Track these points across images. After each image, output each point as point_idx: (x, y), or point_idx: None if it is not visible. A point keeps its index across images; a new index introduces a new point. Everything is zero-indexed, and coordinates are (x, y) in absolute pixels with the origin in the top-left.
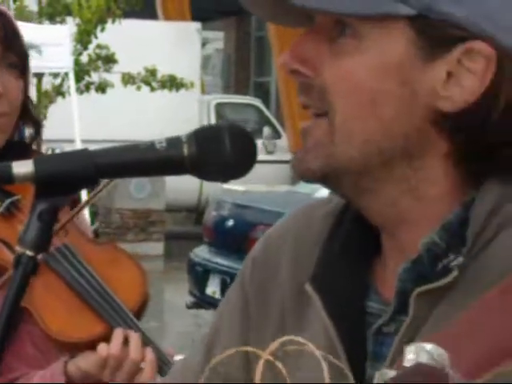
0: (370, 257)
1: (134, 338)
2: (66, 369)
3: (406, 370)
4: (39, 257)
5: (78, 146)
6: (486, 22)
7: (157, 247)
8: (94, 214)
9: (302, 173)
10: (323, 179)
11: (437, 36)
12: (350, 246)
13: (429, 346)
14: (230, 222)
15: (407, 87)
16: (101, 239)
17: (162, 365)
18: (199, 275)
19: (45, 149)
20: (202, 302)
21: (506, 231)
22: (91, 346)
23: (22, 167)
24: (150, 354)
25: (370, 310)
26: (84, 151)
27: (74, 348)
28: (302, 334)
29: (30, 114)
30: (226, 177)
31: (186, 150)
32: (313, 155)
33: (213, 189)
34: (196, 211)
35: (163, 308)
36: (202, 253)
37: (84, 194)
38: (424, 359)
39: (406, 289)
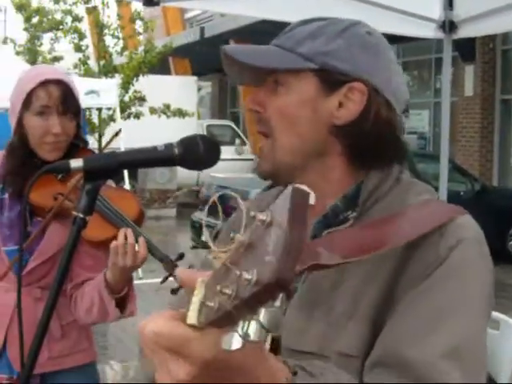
0: None
1: (130, 232)
2: (105, 273)
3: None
4: (87, 217)
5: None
6: (361, 72)
7: (172, 212)
8: (134, 192)
9: (259, 172)
10: (269, 175)
11: (331, 80)
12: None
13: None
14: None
15: (315, 113)
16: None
17: (150, 247)
18: (197, 228)
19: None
20: (199, 244)
21: (381, 202)
22: (111, 241)
23: (76, 163)
24: (141, 239)
25: None
26: (113, 153)
27: (102, 244)
28: None
29: (80, 136)
30: (200, 167)
31: (176, 151)
32: (264, 162)
33: (205, 175)
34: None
35: (174, 249)
36: (198, 215)
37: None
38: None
39: (317, 234)
